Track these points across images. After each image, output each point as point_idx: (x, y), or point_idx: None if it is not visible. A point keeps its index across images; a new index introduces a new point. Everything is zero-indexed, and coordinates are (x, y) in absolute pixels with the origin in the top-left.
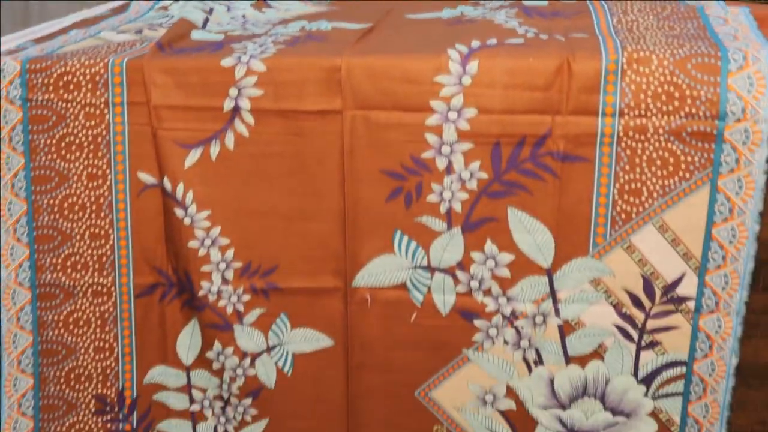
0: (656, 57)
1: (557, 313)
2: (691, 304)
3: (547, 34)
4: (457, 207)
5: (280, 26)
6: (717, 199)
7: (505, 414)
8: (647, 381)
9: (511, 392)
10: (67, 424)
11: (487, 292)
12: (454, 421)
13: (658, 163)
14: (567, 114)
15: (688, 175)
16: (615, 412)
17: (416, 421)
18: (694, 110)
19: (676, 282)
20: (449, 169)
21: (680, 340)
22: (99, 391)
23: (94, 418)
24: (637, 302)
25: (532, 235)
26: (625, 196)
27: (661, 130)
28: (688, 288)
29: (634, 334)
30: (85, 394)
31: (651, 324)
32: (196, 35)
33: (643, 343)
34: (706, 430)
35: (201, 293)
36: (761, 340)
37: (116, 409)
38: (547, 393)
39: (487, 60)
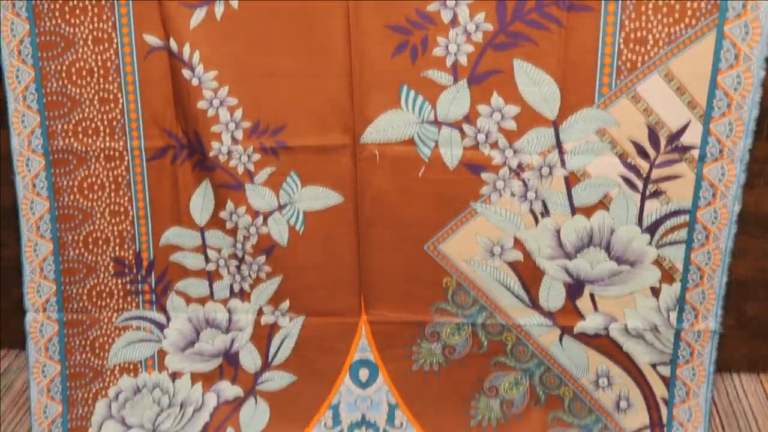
0: None
1: (563, 164)
2: (696, 153)
3: None
4: (463, 60)
5: None
6: (723, 45)
7: (512, 265)
8: (651, 230)
9: (518, 244)
10: (87, 286)
11: (494, 145)
12: (463, 273)
13: (664, 10)
14: None
15: (694, 21)
16: (620, 261)
17: (426, 275)
18: None
19: (681, 131)
20: (454, 22)
21: (684, 189)
22: (117, 254)
23: (114, 280)
24: (642, 152)
25: (537, 86)
26: (631, 45)
27: None
28: (692, 136)
29: (639, 184)
30: (104, 257)
31: (656, 173)
32: None
33: (647, 193)
34: (708, 277)
35: (212, 154)
36: (764, 189)
37: (134, 271)
38: (554, 244)
39: None
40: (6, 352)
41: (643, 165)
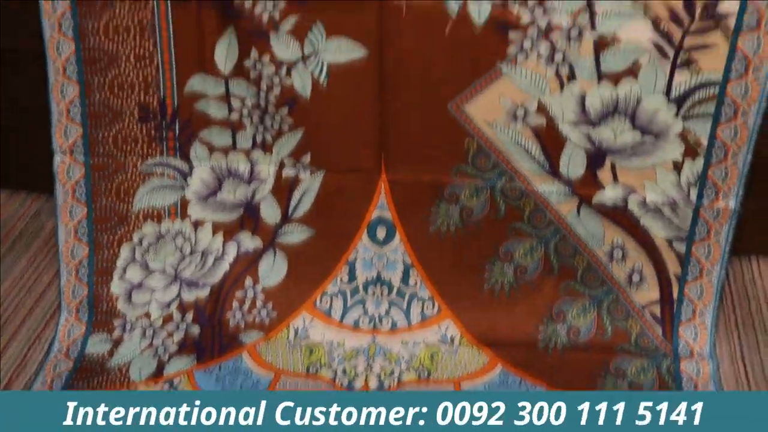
0: None
1: (593, 26)
2: (732, 22)
3: None
4: None
5: None
6: None
7: (535, 130)
8: (679, 101)
9: (542, 108)
10: (113, 131)
11: (523, 3)
12: (485, 135)
13: None
14: None
15: None
16: (644, 131)
17: (448, 135)
18: None
19: None
20: None
21: (717, 59)
22: (142, 99)
23: (139, 126)
24: (675, 17)
25: None
26: None
27: None
28: (730, 4)
29: (670, 52)
30: (129, 101)
31: (688, 41)
32: None
33: (678, 61)
34: (733, 154)
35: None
36: None
37: (159, 118)
38: (578, 110)
39: None
40: (37, 197)
41: (676, 32)
